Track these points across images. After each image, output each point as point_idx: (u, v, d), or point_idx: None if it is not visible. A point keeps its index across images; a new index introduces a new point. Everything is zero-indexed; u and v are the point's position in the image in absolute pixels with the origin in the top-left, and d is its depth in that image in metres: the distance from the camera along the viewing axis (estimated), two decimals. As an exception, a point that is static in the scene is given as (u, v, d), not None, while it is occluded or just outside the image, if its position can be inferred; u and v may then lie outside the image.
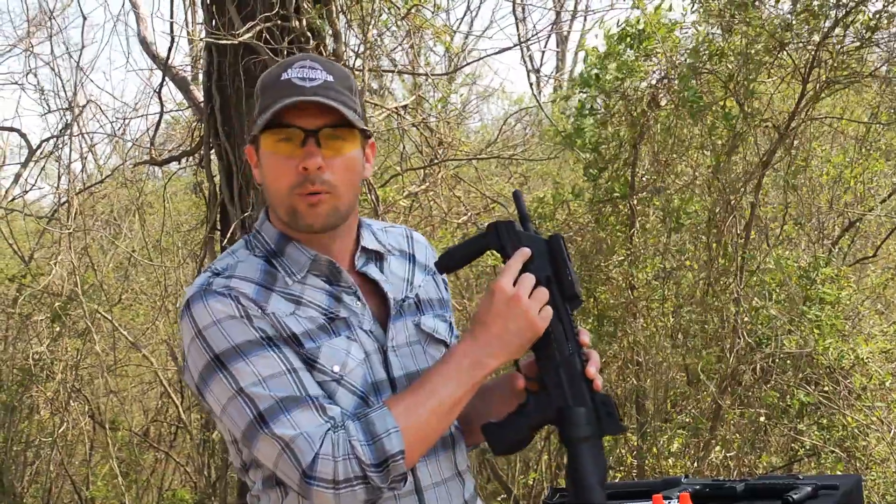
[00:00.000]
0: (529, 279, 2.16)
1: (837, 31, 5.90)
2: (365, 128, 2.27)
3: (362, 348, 2.23)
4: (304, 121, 2.18)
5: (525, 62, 10.78)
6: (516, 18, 9.95)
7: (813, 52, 5.92)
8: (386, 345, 2.26)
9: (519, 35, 9.89)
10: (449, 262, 2.34)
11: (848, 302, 6.06)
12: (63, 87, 10.11)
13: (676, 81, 6.12)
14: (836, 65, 5.97)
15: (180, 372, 8.78)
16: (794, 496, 2.80)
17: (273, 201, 2.25)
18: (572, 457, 2.12)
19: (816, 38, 5.93)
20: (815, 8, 5.85)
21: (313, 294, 2.25)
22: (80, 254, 8.82)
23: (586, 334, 2.20)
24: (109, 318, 8.69)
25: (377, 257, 2.36)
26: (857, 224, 7.39)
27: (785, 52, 6.00)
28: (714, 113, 6.07)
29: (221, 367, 2.15)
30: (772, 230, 6.81)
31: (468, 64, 7.49)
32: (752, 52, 5.90)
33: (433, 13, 7.51)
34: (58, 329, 8.91)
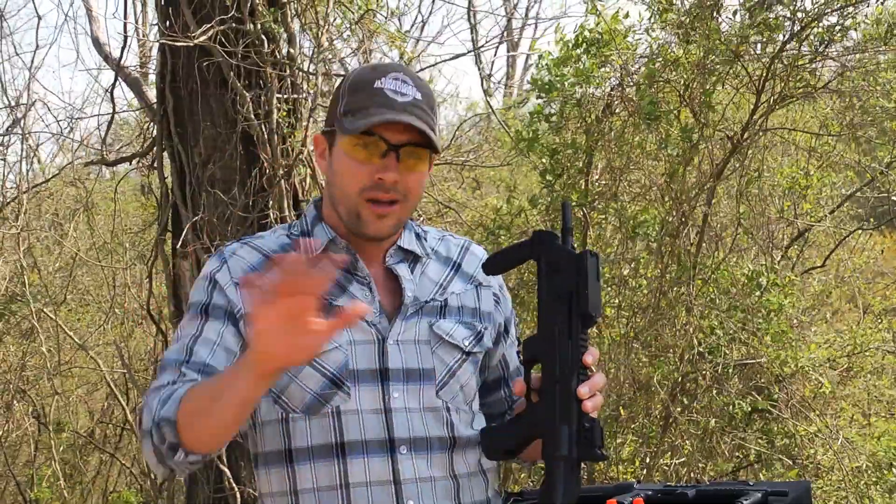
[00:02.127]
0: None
1: (792, 44, 5.97)
2: (438, 149, 2.35)
3: (347, 335, 2.27)
4: (390, 134, 2.26)
5: (479, 68, 10.80)
6: (471, 25, 9.98)
7: (767, 65, 5.99)
8: (387, 337, 2.30)
9: (474, 41, 9.92)
10: (489, 268, 2.36)
11: (791, 310, 6.13)
12: (7, 86, 9.97)
13: (633, 89, 6.16)
14: (790, 77, 6.04)
15: (128, 373, 8.75)
16: (745, 502, 2.84)
17: (337, 200, 2.33)
18: (547, 474, 2.12)
19: (771, 49, 6.00)
20: (772, 21, 5.92)
21: None
22: (25, 253, 8.75)
23: (593, 355, 2.18)
24: (55, 318, 8.62)
25: (413, 258, 2.41)
26: (807, 234, 7.48)
27: (739, 64, 6.06)
28: (669, 122, 6.11)
29: (186, 312, 2.37)
30: (723, 240, 6.87)
31: (422, 70, 7.51)
32: (709, 63, 5.95)
33: (387, 19, 7.52)
34: (0, 328, 8.84)
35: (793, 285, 6.44)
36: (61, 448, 9.12)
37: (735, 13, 6.17)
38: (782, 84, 6.04)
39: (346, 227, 2.34)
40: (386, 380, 2.29)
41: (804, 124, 7.29)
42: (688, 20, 6.02)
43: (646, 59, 6.20)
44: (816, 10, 5.89)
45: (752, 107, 6.14)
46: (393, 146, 2.25)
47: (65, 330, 8.65)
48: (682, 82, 6.09)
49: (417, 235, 2.45)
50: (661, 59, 6.13)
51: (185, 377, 2.23)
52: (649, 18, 6.23)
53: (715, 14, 6.10)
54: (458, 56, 8.77)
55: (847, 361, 6.46)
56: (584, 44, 6.19)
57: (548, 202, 6.43)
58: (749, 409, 5.83)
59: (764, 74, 5.99)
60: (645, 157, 6.39)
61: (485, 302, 2.48)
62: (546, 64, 6.40)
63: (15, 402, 9.09)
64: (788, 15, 5.94)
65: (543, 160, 6.42)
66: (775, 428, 5.95)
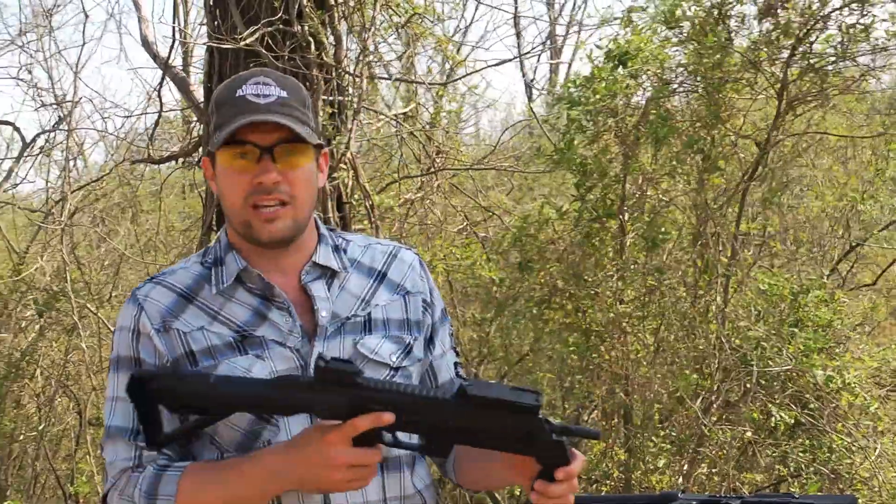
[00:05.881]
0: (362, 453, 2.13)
1: (804, 48, 5.91)
2: (319, 141, 2.33)
3: (270, 367, 2.24)
4: (259, 137, 2.24)
5: (523, 74, 10.80)
6: (517, 31, 9.98)
7: (783, 70, 5.96)
8: (310, 363, 2.26)
9: (519, 47, 9.93)
10: None
11: (840, 326, 6.08)
12: (54, 83, 10.06)
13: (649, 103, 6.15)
14: (806, 81, 6.00)
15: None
16: (790, 516, 2.81)
17: (229, 215, 2.31)
18: None
19: (785, 54, 5.96)
20: (783, 27, 5.88)
21: (233, 309, 2.29)
22: (70, 250, 8.82)
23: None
24: (98, 314, 8.68)
25: (330, 274, 2.36)
26: (858, 249, 7.41)
27: (758, 70, 6.02)
28: (684, 134, 6.07)
29: (110, 370, 2.35)
30: (757, 248, 6.84)
31: (468, 74, 7.51)
32: (718, 72, 5.93)
33: (433, 23, 7.53)
34: (42, 324, 8.91)
35: (842, 303, 6.37)
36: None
37: (743, 20, 6.11)
38: (799, 89, 5.99)
39: (243, 238, 2.31)
40: None
41: (841, 129, 7.20)
42: (695, 31, 5.99)
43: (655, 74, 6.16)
44: (822, 10, 5.84)
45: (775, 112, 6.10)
46: (264, 147, 2.23)
47: (107, 326, 8.70)
48: (702, 91, 6.07)
49: (336, 248, 2.40)
50: (683, 70, 6.12)
51: (143, 455, 2.25)
52: (660, 32, 6.21)
53: (722, 23, 6.06)
54: (503, 62, 8.78)
55: (894, 379, 6.38)
56: (614, 57, 6.16)
57: (578, 213, 6.38)
58: (792, 421, 5.79)
59: (782, 79, 5.96)
60: (675, 167, 6.34)
61: (413, 311, 2.42)
62: (577, 80, 6.40)
63: (57, 396, 9.16)
64: (795, 18, 5.89)
65: (573, 173, 6.36)
66: (811, 443, 5.90)
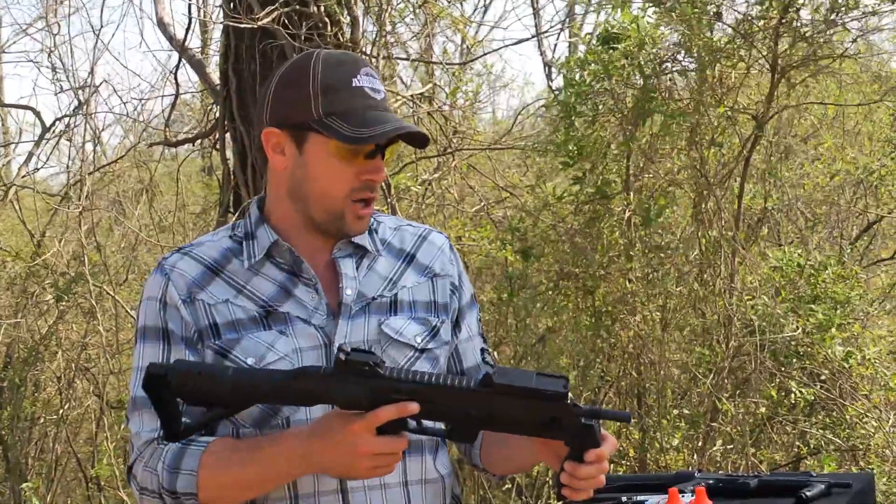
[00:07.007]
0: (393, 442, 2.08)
1: (791, 15, 5.88)
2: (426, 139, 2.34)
3: (293, 343, 2.22)
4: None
5: (542, 54, 10.74)
6: (534, 10, 9.92)
7: (773, 39, 5.93)
8: (334, 341, 2.23)
9: (537, 26, 9.90)
10: None
11: (858, 302, 6.05)
12: (67, 68, 10.01)
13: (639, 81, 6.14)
14: (797, 51, 5.97)
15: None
16: (808, 493, 2.80)
17: (316, 202, 2.24)
18: None
19: (774, 24, 5.93)
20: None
21: (259, 284, 2.26)
22: (87, 233, 8.84)
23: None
24: (116, 297, 8.70)
25: (361, 253, 2.32)
26: (876, 225, 7.38)
27: (750, 45, 6.00)
28: (671, 111, 6.05)
29: (135, 340, 2.30)
30: (768, 223, 6.83)
31: (485, 54, 7.50)
32: (710, 47, 5.91)
33: (450, 3, 7.51)
34: (62, 307, 8.93)
35: (858, 277, 6.35)
36: (122, 426, 9.22)
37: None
38: (789, 59, 5.97)
39: (318, 226, 2.26)
40: None
41: (839, 98, 7.17)
42: (679, 8, 5.96)
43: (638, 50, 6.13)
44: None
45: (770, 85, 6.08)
46: (381, 146, 2.21)
47: (125, 308, 8.73)
48: (696, 68, 6.06)
49: (369, 229, 2.35)
50: (675, 47, 6.12)
51: None
52: (650, 13, 6.18)
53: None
54: (520, 41, 8.77)
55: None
56: (607, 40, 6.13)
57: (576, 196, 6.35)
58: (811, 398, 5.78)
59: (772, 50, 5.92)
60: (673, 145, 6.31)
61: (441, 293, 2.38)
62: (571, 62, 6.39)
63: (76, 379, 9.19)
64: None
65: (569, 156, 6.33)
66: (829, 419, 5.89)
